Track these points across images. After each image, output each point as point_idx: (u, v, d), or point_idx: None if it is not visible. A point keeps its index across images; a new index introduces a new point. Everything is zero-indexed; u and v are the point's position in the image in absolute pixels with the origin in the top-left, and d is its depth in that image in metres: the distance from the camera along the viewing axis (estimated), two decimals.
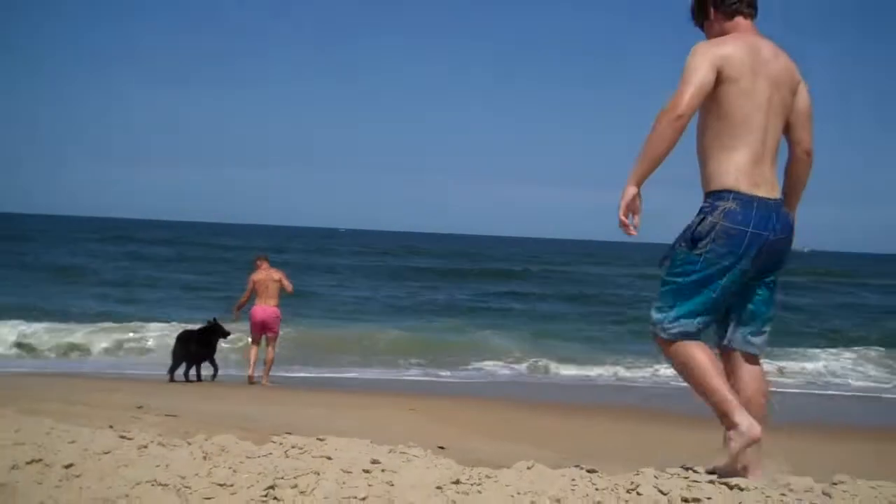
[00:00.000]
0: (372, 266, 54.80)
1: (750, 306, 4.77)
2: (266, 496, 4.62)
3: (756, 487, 4.77)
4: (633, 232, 4.55)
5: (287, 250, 70.24)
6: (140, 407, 11.88)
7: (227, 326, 16.97)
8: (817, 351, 25.12)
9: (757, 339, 4.82)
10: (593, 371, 21.10)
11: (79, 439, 5.22)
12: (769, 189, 4.58)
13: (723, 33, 4.66)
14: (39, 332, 22.26)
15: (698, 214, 4.62)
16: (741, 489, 4.74)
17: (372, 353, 22.69)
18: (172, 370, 16.46)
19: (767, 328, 4.84)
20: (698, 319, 4.63)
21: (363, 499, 4.59)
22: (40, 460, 4.92)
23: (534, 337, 26.45)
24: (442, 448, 9.51)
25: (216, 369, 16.84)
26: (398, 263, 57.39)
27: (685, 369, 4.68)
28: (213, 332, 16.76)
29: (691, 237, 4.59)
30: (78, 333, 22.58)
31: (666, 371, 21.39)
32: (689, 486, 4.77)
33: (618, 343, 26.48)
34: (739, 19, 4.69)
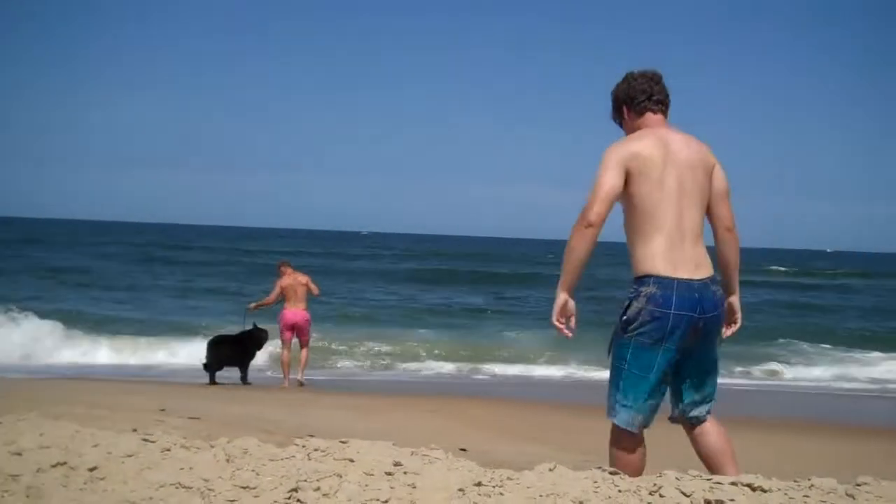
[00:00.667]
0: (393, 269, 54.84)
1: (691, 381, 5.12)
2: (289, 498, 4.64)
3: (779, 489, 4.76)
4: (570, 334, 4.94)
5: (306, 254, 70.53)
6: (163, 410, 11.94)
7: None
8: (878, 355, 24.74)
9: (703, 409, 5.23)
10: None
11: (103, 442, 5.26)
12: (692, 269, 4.83)
13: (636, 129, 5.02)
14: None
15: (626, 301, 4.94)
16: (764, 491, 4.73)
17: (393, 356, 22.72)
18: (211, 374, 16.79)
19: (711, 399, 5.22)
20: (648, 402, 5.08)
21: (385, 501, 4.60)
22: (65, 463, 4.96)
23: (557, 339, 26.44)
24: (464, 450, 9.52)
25: (246, 376, 17.06)
26: (420, 266, 57.37)
27: (614, 460, 5.36)
28: (249, 338, 16.98)
29: (622, 323, 4.93)
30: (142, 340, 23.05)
31: None
32: (711, 487, 4.76)
33: None
34: (649, 115, 5.04)
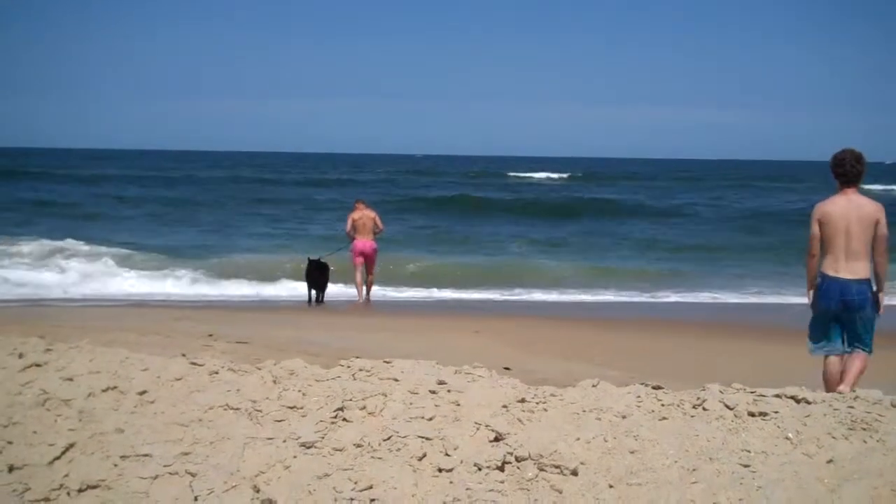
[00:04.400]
0: (436, 197, 54.27)
1: (848, 333, 8.59)
2: (335, 417, 4.69)
3: (823, 400, 4.74)
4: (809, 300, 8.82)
5: (357, 182, 70.85)
6: (211, 335, 12.08)
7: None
8: None
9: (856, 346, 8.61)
10: (657, 294, 21.05)
11: (152, 367, 5.34)
12: (848, 273, 8.42)
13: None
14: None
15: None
16: (808, 402, 4.71)
17: (435, 279, 22.80)
18: (310, 296, 19.17)
19: (862, 342, 8.55)
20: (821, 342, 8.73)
21: (430, 419, 4.64)
22: (115, 387, 5.04)
23: (599, 264, 26.52)
24: (507, 369, 9.57)
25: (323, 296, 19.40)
26: (466, 192, 56.83)
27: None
28: (326, 266, 19.41)
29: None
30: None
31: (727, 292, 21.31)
32: (755, 400, 4.75)
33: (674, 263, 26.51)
34: (843, 187, 8.52)
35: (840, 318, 8.48)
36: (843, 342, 8.58)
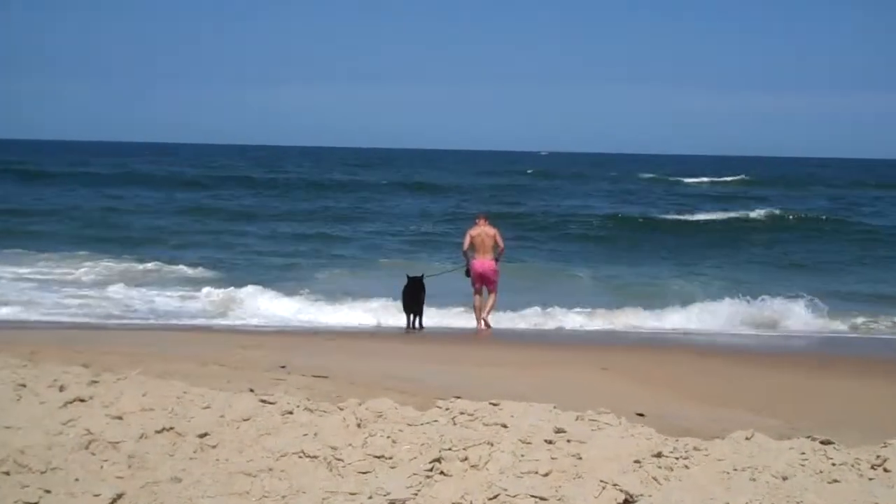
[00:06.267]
0: (605, 215, 53.07)
1: None
2: (431, 470, 4.72)
3: None
4: None
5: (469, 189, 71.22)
6: (283, 366, 12.22)
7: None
8: None
9: None
10: (832, 322, 20.64)
11: (214, 404, 5.44)
12: None
13: None
14: None
15: None
16: None
17: (556, 298, 22.72)
18: (409, 321, 19.70)
19: None
20: None
21: (545, 474, 4.64)
22: (171, 428, 5.15)
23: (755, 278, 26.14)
24: (640, 415, 9.48)
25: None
26: (627, 211, 55.60)
27: None
28: (423, 285, 19.81)
29: None
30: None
31: None
32: None
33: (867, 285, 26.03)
34: None
35: None
36: None
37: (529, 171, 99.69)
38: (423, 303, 19.73)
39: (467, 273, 20.19)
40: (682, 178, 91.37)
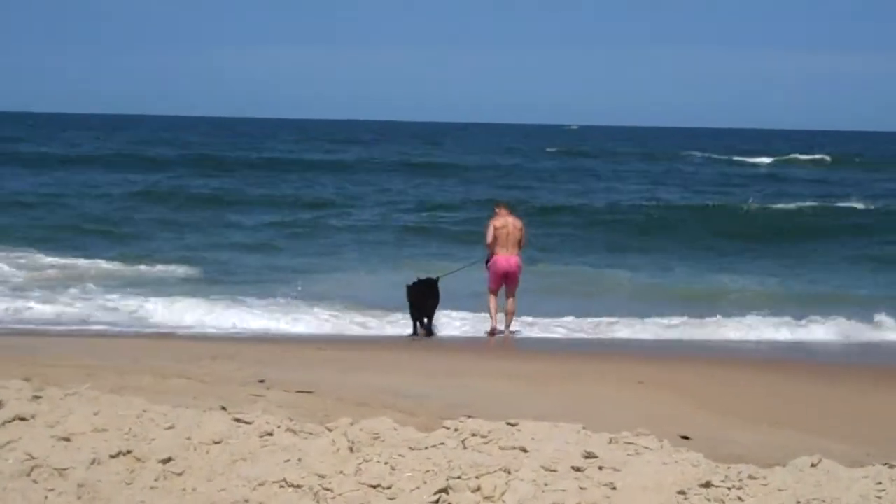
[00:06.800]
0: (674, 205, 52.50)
1: None
2: (437, 502, 4.69)
3: None
4: None
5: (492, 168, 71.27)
6: (261, 381, 12.21)
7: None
8: None
9: None
10: None
11: (179, 424, 5.41)
12: None
13: None
14: None
15: None
16: None
17: (585, 299, 22.74)
18: (416, 326, 19.84)
19: None
20: None
21: None
22: (129, 452, 5.13)
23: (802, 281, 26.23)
24: (685, 438, 9.45)
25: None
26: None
27: None
28: (436, 285, 19.98)
29: None
30: None
31: None
32: None
33: None
34: None
35: None
36: None
37: (551, 150, 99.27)
38: (433, 308, 19.80)
39: (487, 266, 20.12)
40: (743, 158, 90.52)
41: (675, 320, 21.17)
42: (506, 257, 19.87)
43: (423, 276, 19.94)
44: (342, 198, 48.01)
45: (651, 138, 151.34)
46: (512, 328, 20.16)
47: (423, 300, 19.74)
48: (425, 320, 19.66)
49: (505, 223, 20.05)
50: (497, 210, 20.57)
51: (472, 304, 20.78)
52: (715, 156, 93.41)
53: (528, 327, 20.70)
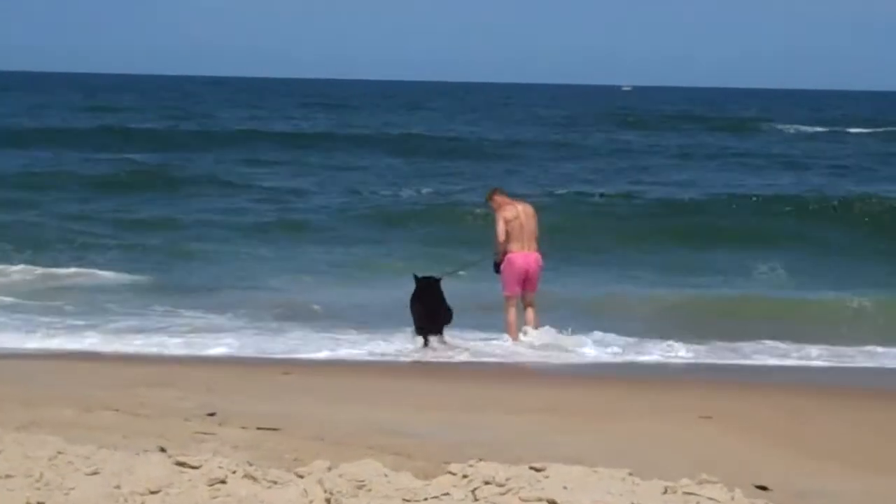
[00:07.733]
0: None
1: None
2: None
3: None
4: None
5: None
6: (212, 414, 12.25)
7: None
8: None
9: None
10: None
11: (105, 469, 5.43)
12: None
13: None
14: None
15: None
16: None
17: (623, 319, 22.76)
18: (426, 338, 19.96)
19: None
20: None
21: None
22: None
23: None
24: (763, 488, 9.48)
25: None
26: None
27: None
28: (439, 286, 20.27)
29: None
30: None
31: None
32: None
33: None
34: None
35: None
36: None
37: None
38: (445, 316, 19.84)
39: (497, 269, 20.10)
40: (842, 128, 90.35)
41: (761, 344, 21.04)
42: (523, 254, 19.88)
43: (424, 276, 19.95)
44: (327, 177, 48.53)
45: (717, 101, 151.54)
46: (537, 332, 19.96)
47: (426, 304, 19.68)
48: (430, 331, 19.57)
49: (516, 213, 20.03)
50: (496, 199, 20.46)
51: (482, 319, 20.75)
52: (803, 127, 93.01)
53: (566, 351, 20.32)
